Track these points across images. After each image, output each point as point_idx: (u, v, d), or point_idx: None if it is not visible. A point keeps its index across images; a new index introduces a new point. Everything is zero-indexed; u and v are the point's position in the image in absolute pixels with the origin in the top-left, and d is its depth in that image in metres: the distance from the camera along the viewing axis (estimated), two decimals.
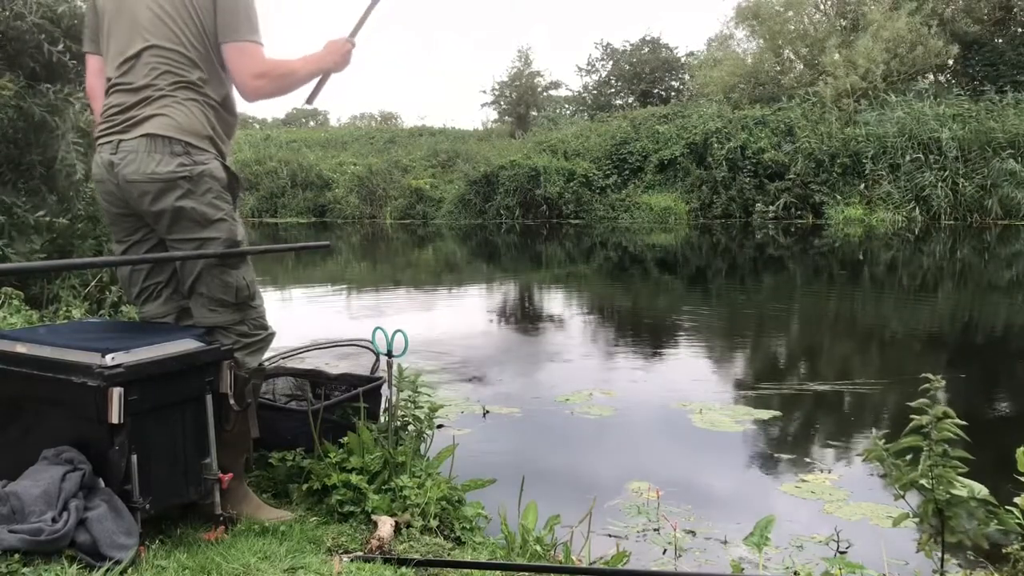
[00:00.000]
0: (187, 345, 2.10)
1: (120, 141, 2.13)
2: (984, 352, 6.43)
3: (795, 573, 2.54)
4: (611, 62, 32.48)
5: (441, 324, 7.62)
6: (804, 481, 3.49)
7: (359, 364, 3.84)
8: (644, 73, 31.40)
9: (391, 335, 2.78)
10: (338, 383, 3.15)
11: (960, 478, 1.97)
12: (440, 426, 3.80)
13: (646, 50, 31.79)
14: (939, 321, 7.75)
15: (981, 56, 22.25)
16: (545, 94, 33.61)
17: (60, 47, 4.36)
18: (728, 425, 4.28)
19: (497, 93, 32.94)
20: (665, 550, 2.83)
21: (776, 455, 3.90)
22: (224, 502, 2.20)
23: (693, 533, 2.97)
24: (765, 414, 4.46)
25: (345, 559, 2.07)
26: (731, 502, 3.34)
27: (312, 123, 44.40)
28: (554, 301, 9.89)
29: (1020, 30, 23.00)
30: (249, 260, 2.31)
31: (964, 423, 1.96)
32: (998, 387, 5.37)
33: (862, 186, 19.13)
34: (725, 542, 2.89)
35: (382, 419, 2.93)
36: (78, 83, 4.53)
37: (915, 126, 18.85)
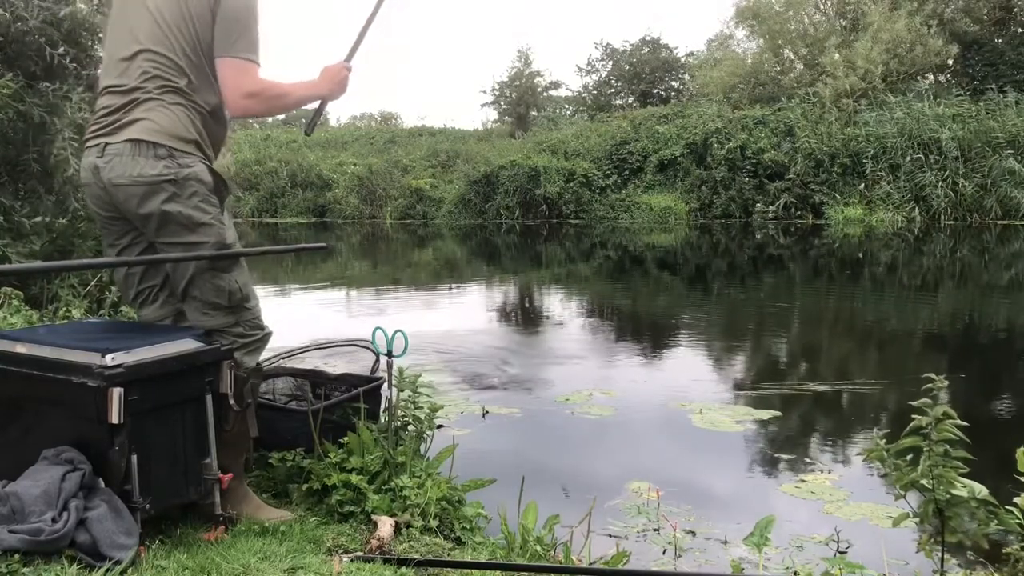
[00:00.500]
0: (187, 345, 2.10)
1: (106, 144, 2.14)
2: (984, 352, 6.42)
3: (795, 573, 2.54)
4: (611, 62, 32.44)
5: (441, 324, 7.62)
6: (804, 481, 3.49)
7: (359, 364, 3.84)
8: (644, 73, 31.37)
9: (391, 335, 2.78)
10: (338, 383, 3.15)
11: (960, 478, 1.97)
12: (440, 426, 3.80)
13: (646, 50, 31.76)
14: (939, 321, 7.75)
15: (981, 56, 22.23)
16: (545, 94, 33.63)
17: (60, 50, 4.37)
18: (728, 425, 4.28)
19: (497, 93, 32.99)
20: (665, 550, 2.83)
21: (776, 455, 3.90)
22: (224, 502, 2.20)
23: (693, 533, 2.97)
24: (765, 414, 4.46)
25: (345, 559, 2.07)
26: (731, 502, 3.34)
27: None
28: (554, 301, 9.89)
29: (1020, 30, 22.99)
30: (242, 262, 2.31)
31: (965, 424, 1.97)
32: (998, 387, 5.37)
33: (862, 186, 19.12)
34: (725, 542, 2.89)
35: (382, 419, 2.93)
36: (76, 81, 4.53)
37: (915, 126, 18.83)
